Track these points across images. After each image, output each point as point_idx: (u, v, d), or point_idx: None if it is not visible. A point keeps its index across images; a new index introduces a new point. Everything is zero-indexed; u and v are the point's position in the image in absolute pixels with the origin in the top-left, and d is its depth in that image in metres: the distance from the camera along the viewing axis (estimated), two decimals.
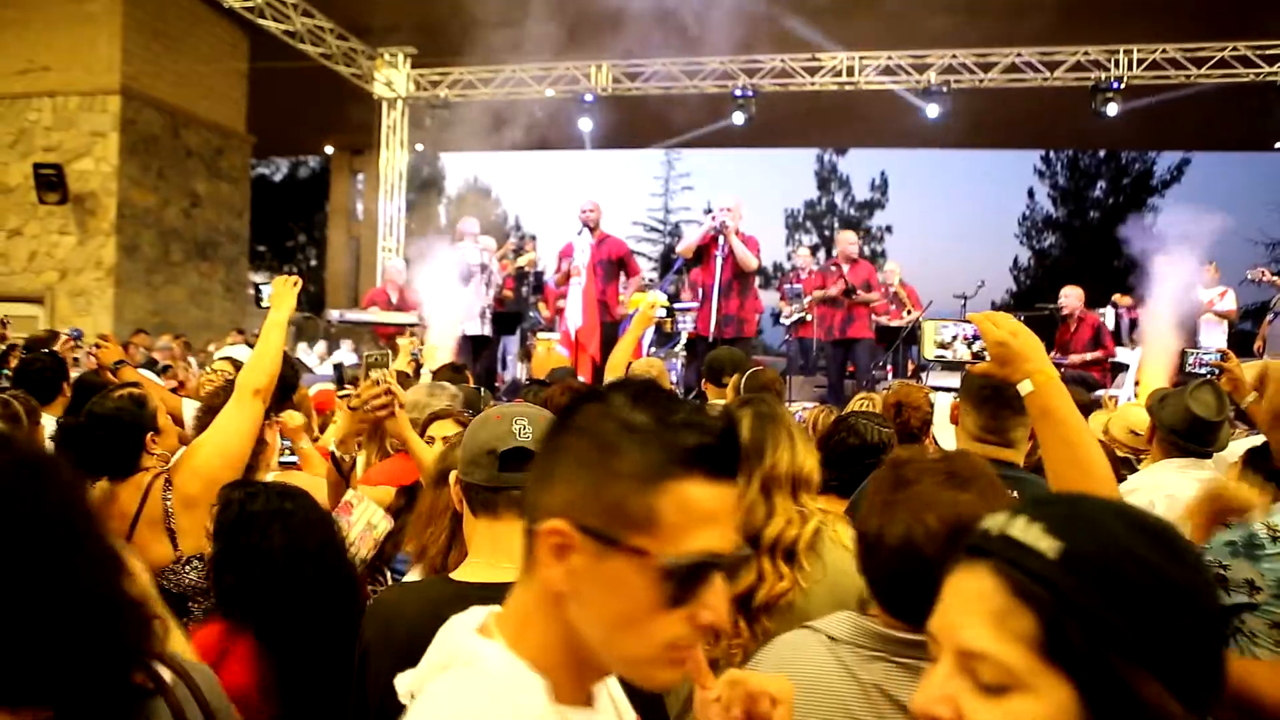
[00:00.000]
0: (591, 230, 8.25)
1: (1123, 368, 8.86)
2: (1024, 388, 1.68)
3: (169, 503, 2.62)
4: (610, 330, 8.10)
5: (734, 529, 0.93)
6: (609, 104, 15.30)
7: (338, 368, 6.87)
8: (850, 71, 14.52)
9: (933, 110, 14.07)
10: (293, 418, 3.75)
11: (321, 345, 14.54)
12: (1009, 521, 0.82)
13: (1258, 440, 3.00)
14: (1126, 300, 10.15)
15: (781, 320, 10.73)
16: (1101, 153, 30.67)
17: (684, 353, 9.45)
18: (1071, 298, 8.96)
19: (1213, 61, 13.21)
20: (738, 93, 14.43)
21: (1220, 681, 0.80)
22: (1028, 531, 0.80)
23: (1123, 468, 3.65)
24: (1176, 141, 23.80)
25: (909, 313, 10.43)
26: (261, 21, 13.89)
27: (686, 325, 9.27)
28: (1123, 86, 13.26)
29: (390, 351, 2.91)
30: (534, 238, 11.97)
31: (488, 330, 8.81)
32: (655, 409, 0.92)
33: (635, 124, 16.72)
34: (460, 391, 3.73)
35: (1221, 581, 1.82)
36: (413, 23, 14.73)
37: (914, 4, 12.69)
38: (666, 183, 38.23)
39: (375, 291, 10.58)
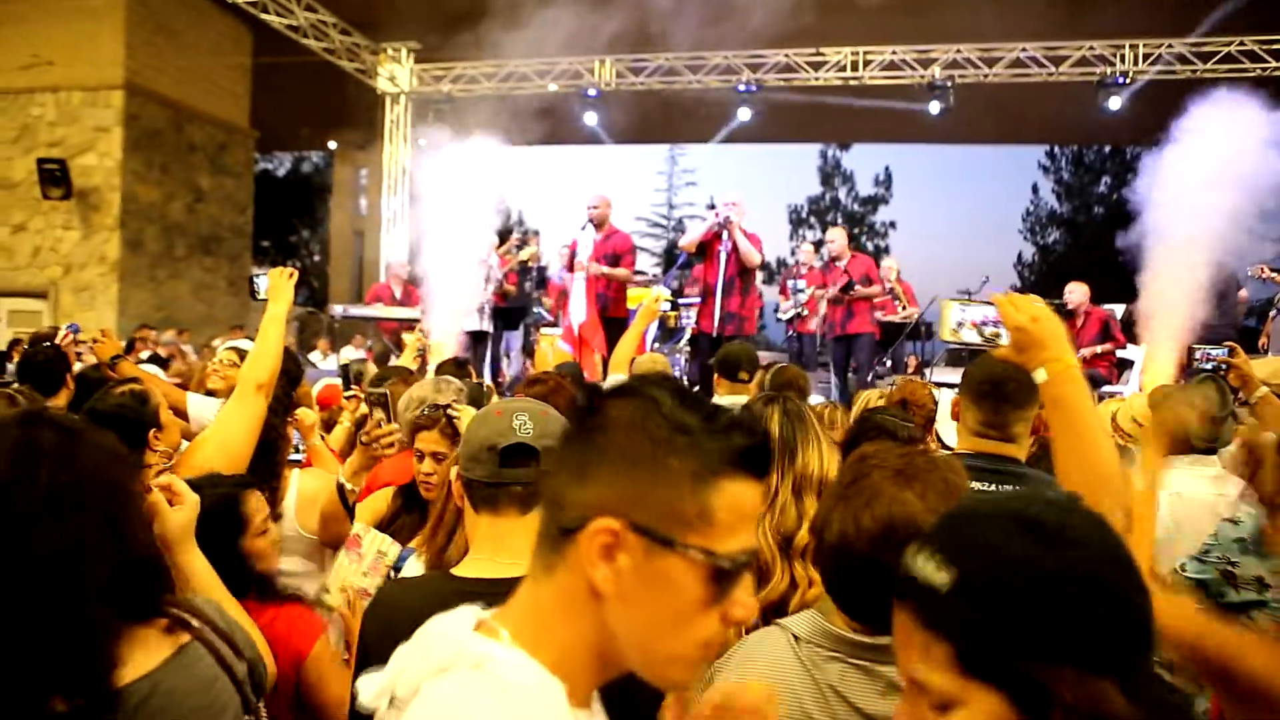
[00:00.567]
0: (598, 226, 8.22)
1: (1129, 364, 8.82)
2: (1038, 376, 1.64)
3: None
4: (613, 326, 8.07)
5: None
6: (612, 99, 15.28)
7: (344, 368, 6.86)
8: (855, 66, 14.48)
9: (936, 105, 14.04)
10: (306, 415, 3.75)
11: (323, 340, 14.54)
12: (912, 559, 0.91)
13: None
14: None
15: (779, 316, 10.70)
16: (1106, 148, 30.59)
17: (687, 348, 9.43)
18: (1077, 293, 8.93)
19: (1219, 56, 13.17)
20: (741, 88, 14.40)
21: (1147, 638, 0.87)
22: (925, 567, 0.89)
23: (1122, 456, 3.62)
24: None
25: (904, 308, 10.41)
26: (265, 16, 13.87)
27: (689, 321, 9.25)
28: (1128, 81, 13.22)
29: (388, 393, 2.94)
30: (537, 233, 11.97)
31: (487, 325, 8.80)
32: (702, 409, 0.92)
33: (638, 119, 16.69)
34: (465, 387, 3.72)
35: (1230, 578, 1.81)
36: (416, 17, 14.71)
37: None
38: (670, 178, 38.25)
39: (379, 287, 10.59)
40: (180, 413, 3.77)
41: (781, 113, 15.60)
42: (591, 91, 14.87)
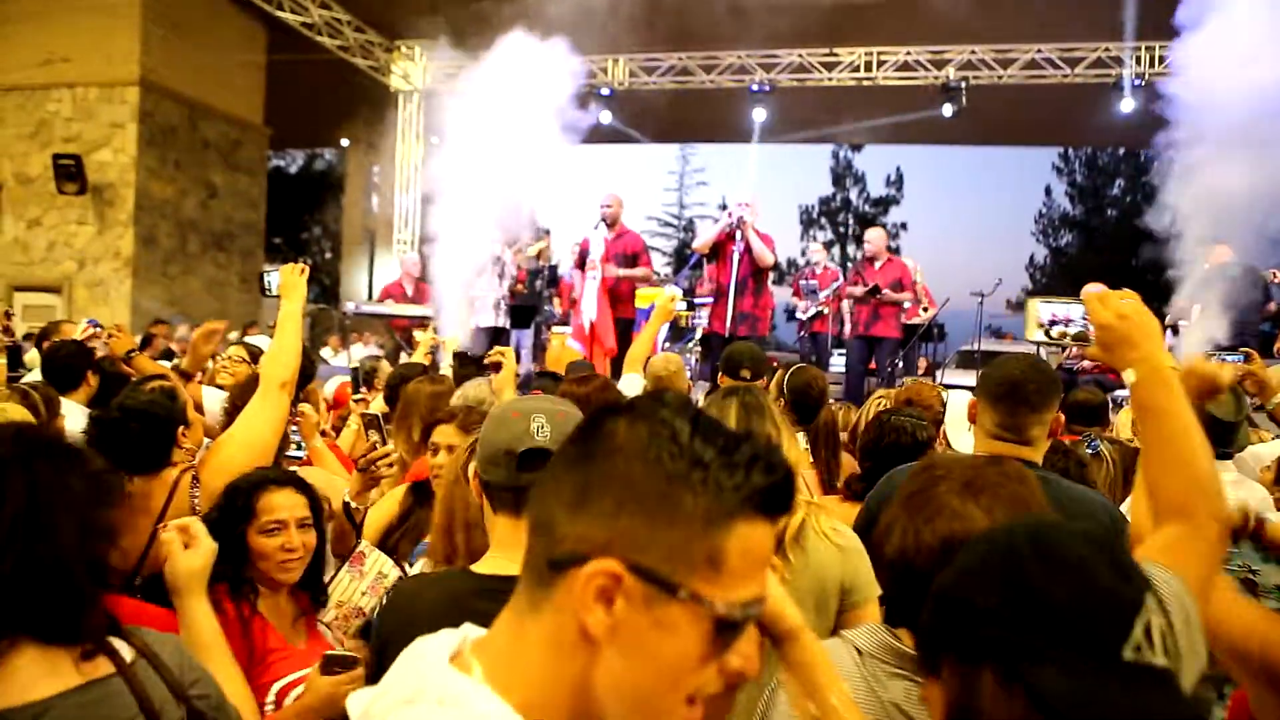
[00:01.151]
0: (610, 226, 8.22)
1: None
2: (1128, 377, 1.53)
3: (196, 499, 2.57)
4: (624, 325, 8.07)
5: None
6: (624, 98, 15.28)
7: (355, 370, 6.87)
8: (868, 66, 14.44)
9: (950, 107, 13.98)
10: (310, 414, 3.75)
11: (335, 336, 14.57)
12: None
13: None
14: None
15: (798, 315, 10.67)
16: (1120, 150, 30.44)
17: (699, 348, 9.42)
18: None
19: None
20: (755, 88, 14.37)
21: (1056, 628, 0.85)
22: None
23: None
24: None
25: (925, 310, 10.37)
26: (279, 14, 13.93)
27: (702, 321, 9.23)
28: (1143, 83, 13.15)
29: (379, 416, 2.96)
30: (548, 231, 11.95)
31: (503, 321, 8.81)
32: (719, 440, 0.83)
33: (651, 118, 16.68)
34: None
35: (1251, 586, 1.80)
36: (430, 16, 14.73)
37: None
38: (681, 178, 38.25)
39: (391, 284, 10.60)
40: (198, 407, 3.78)
41: (794, 112, 15.58)
42: (604, 90, 14.89)
